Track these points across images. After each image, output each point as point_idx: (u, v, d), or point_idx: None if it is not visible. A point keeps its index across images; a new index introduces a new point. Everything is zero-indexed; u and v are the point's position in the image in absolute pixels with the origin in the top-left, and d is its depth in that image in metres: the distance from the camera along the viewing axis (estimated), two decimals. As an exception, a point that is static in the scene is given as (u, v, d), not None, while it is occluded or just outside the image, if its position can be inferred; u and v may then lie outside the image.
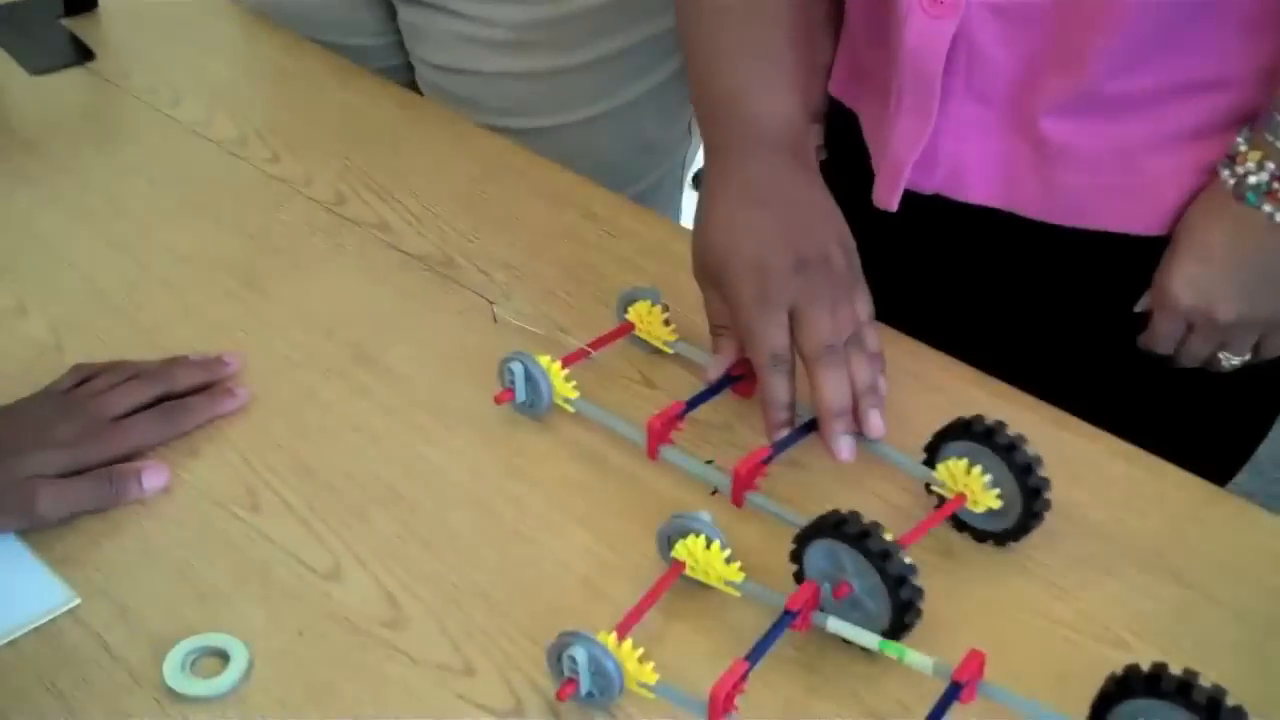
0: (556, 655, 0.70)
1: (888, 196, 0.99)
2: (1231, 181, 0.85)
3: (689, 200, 1.72)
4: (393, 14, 1.31)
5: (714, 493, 0.83)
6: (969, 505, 0.78)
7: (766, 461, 0.81)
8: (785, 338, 0.82)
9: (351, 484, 0.84)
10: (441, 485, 0.84)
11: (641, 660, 0.70)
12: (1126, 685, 0.65)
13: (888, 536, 0.71)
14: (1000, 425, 0.77)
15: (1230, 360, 0.92)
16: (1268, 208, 0.83)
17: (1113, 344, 0.98)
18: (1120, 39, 0.84)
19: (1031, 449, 0.77)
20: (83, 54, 1.29)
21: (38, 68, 1.28)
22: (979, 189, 0.96)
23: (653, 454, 0.84)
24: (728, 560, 0.75)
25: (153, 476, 0.83)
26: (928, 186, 0.98)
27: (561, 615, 0.76)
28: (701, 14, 0.92)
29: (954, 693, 0.67)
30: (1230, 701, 0.63)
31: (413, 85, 1.33)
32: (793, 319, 0.82)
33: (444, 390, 0.91)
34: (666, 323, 0.93)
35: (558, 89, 1.25)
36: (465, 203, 1.09)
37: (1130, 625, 0.75)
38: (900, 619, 0.71)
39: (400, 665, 0.74)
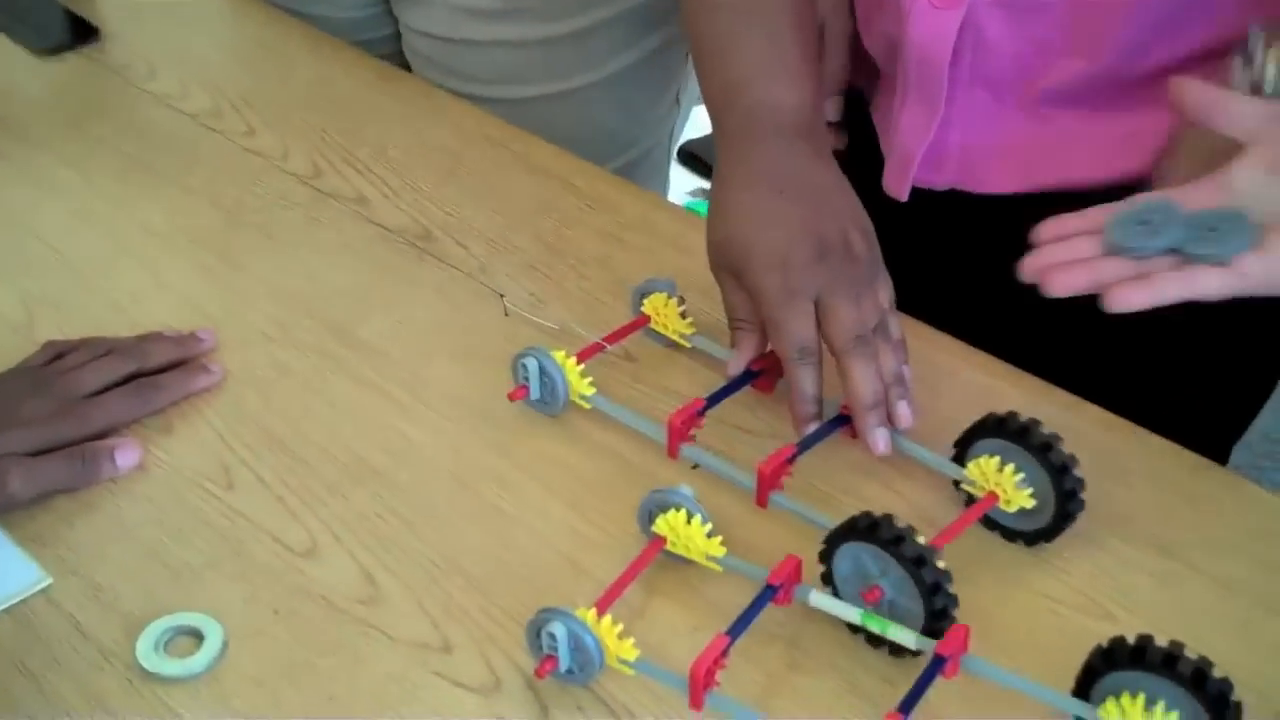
0: (535, 632, 0.69)
1: (898, 186, 0.98)
2: (1247, 82, 0.79)
3: (676, 172, 1.71)
4: (381, -17, 1.29)
5: (695, 467, 0.82)
6: (1001, 505, 0.76)
7: (791, 460, 0.78)
8: (812, 329, 0.80)
9: (327, 460, 0.83)
10: (419, 461, 0.83)
11: (621, 636, 0.69)
12: (1112, 657, 0.64)
13: (941, 564, 0.68)
14: (1049, 433, 0.75)
15: None
16: None
17: (1112, 320, 0.96)
18: (1134, 23, 0.83)
19: (1067, 451, 0.75)
20: (87, 32, 1.26)
21: (43, 48, 1.25)
22: (996, 180, 0.95)
23: (673, 453, 0.82)
24: (709, 535, 0.74)
25: (126, 454, 0.82)
26: (940, 183, 0.97)
27: (542, 592, 0.75)
28: (708, 3, 0.90)
29: (937, 666, 0.67)
30: (1216, 674, 0.62)
31: (400, 55, 1.32)
32: (818, 309, 0.80)
33: (421, 365, 0.90)
34: (683, 315, 0.90)
35: (547, 58, 1.24)
36: (443, 175, 1.07)
37: (1116, 598, 0.75)
38: (931, 633, 0.69)
39: (377, 643, 0.73)
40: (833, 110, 1.02)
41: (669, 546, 0.75)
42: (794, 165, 0.85)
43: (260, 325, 0.93)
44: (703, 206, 2.68)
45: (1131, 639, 0.64)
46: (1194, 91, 0.74)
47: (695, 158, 2.23)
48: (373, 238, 1.01)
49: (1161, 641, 0.63)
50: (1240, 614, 0.74)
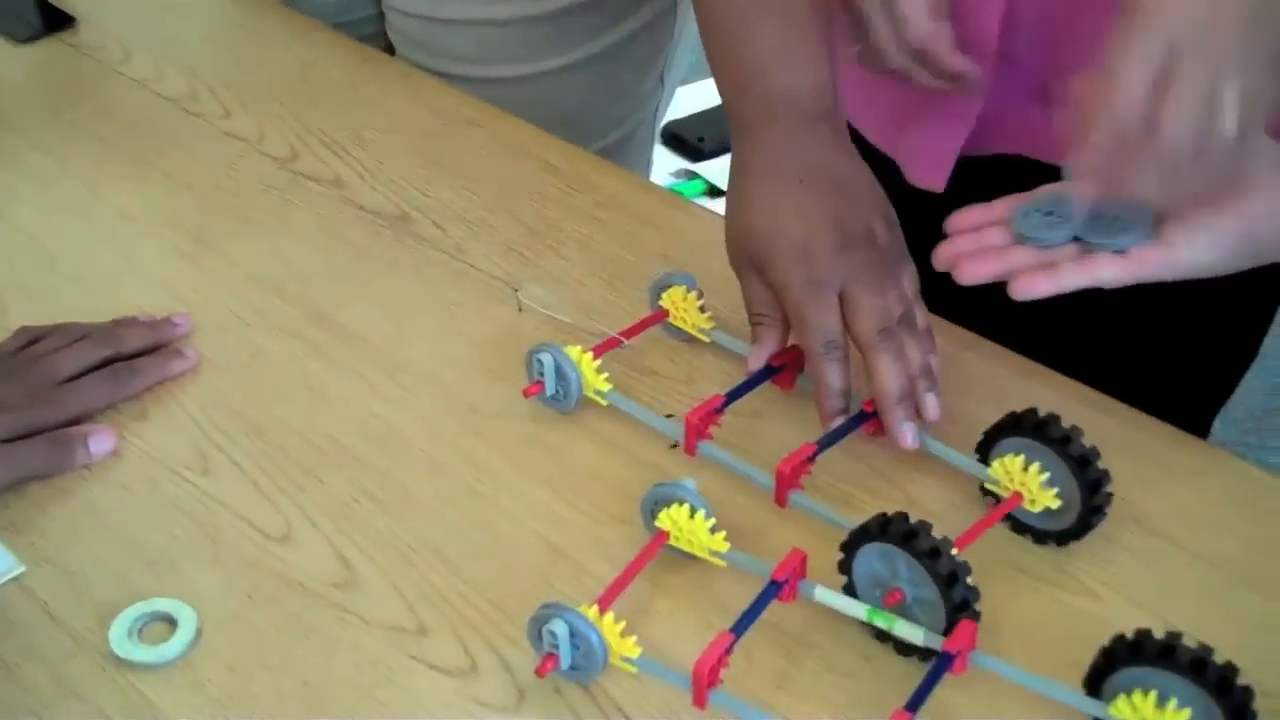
0: (537, 629, 0.68)
1: (935, 176, 0.96)
2: None
3: (660, 153, 1.71)
4: (363, -38, 1.28)
5: (674, 446, 0.81)
6: (1025, 505, 0.74)
7: (811, 459, 0.76)
8: (839, 322, 0.78)
9: (304, 445, 0.83)
10: (396, 444, 0.83)
11: (624, 634, 0.68)
12: (1126, 653, 0.63)
13: (957, 555, 0.67)
14: (1079, 434, 0.74)
15: (1227, 117, 0.68)
16: None
17: (1089, 295, 0.96)
18: None
19: (1096, 453, 0.73)
20: (61, 21, 1.25)
21: (18, 39, 1.23)
22: (1020, 145, 0.94)
23: (691, 450, 0.79)
24: (713, 529, 0.72)
25: (100, 440, 0.81)
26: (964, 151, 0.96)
27: (517, 575, 0.74)
28: None
29: (944, 663, 0.65)
30: (1241, 681, 0.61)
31: (384, 36, 1.31)
32: (842, 301, 0.78)
33: (399, 348, 0.89)
34: (702, 309, 0.87)
35: (530, 36, 1.23)
36: (421, 157, 1.06)
37: (1099, 575, 0.74)
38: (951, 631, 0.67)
39: (352, 627, 0.72)
40: (947, 39, 0.87)
41: (672, 541, 0.73)
42: (814, 153, 0.83)
43: (237, 309, 0.93)
44: (686, 188, 2.67)
45: (1155, 635, 0.62)
46: (1088, 86, 0.74)
47: (679, 139, 2.22)
48: (350, 220, 1.00)
49: (1189, 642, 0.62)
50: (1220, 587, 0.74)
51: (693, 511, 0.73)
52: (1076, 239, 0.74)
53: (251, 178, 1.05)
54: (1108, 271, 0.72)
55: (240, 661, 0.70)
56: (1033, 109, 0.92)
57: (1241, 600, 0.73)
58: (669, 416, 0.83)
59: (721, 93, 0.88)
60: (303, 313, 0.92)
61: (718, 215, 0.87)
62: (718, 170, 2.13)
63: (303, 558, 0.76)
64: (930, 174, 0.97)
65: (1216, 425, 1.08)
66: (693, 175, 2.22)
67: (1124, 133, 0.68)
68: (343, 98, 1.14)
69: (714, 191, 2.22)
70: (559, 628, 0.67)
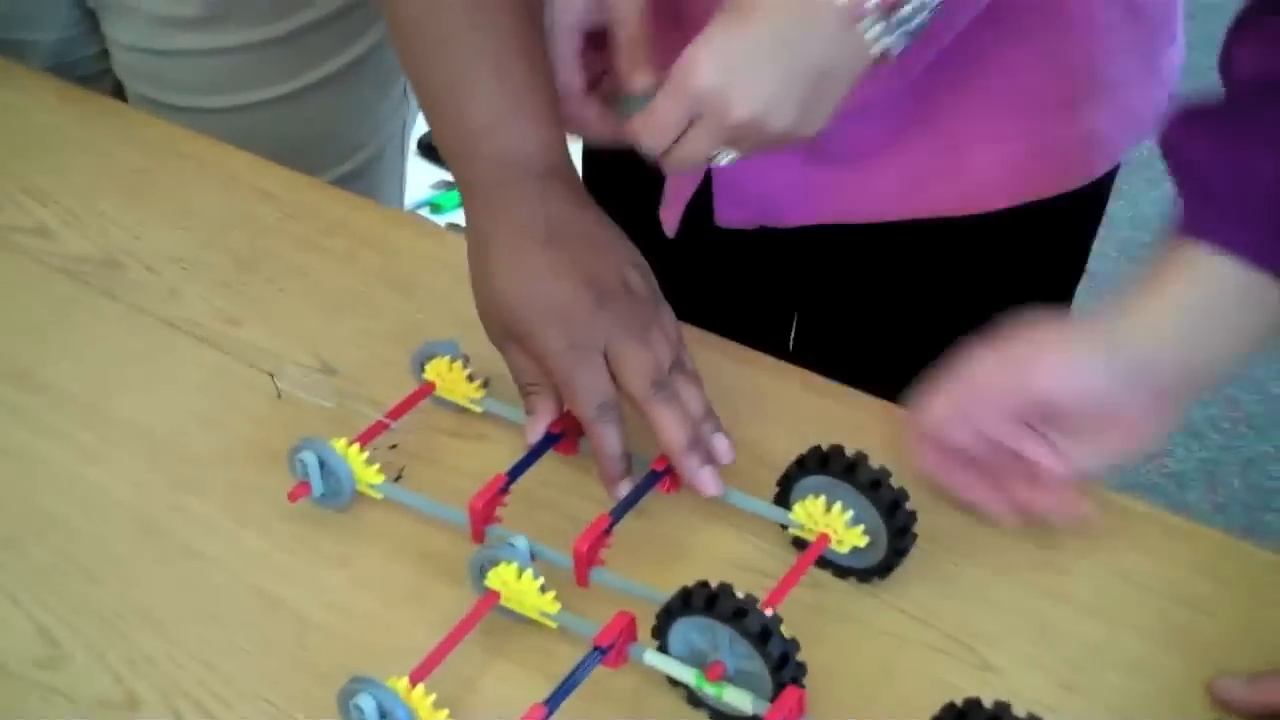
0: (345, 704, 0.65)
1: (670, 221, 0.95)
2: None
3: (417, 165, 1.67)
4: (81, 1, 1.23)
5: (398, 478, 0.79)
6: (833, 545, 0.72)
7: (608, 531, 0.73)
8: (608, 382, 0.75)
9: (3, 515, 0.78)
10: (104, 506, 0.79)
11: (436, 706, 0.65)
12: None
13: (787, 634, 0.64)
14: (875, 467, 0.72)
15: (727, 156, 0.74)
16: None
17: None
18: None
19: (895, 481, 0.72)
20: None
21: None
22: (793, 213, 0.93)
23: (479, 537, 0.75)
24: (543, 589, 0.69)
25: None
26: (739, 220, 0.94)
27: (231, 630, 0.72)
28: (425, 46, 0.83)
29: None
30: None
31: (111, 74, 1.26)
32: (608, 359, 0.75)
33: (106, 402, 0.85)
34: (470, 378, 0.83)
35: (259, 63, 1.19)
36: (131, 197, 1.02)
37: (912, 607, 0.73)
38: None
39: (57, 706, 0.69)
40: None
41: (503, 601, 0.70)
42: (554, 210, 0.79)
43: (-67, 378, 0.88)
44: (446, 199, 2.60)
45: (985, 704, 0.61)
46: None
47: (435, 150, 2.18)
48: (54, 271, 0.96)
49: (1019, 711, 0.61)
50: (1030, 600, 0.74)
51: (520, 571, 0.70)
52: None
53: (-52, 236, 1.00)
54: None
55: (-65, 759, 0.67)
56: (819, 177, 0.92)
57: (1036, 607, 0.73)
58: (392, 447, 0.80)
59: (446, 158, 0.83)
60: (4, 374, 0.87)
61: (441, 228, 0.85)
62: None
63: (2, 638, 0.72)
64: (667, 214, 0.97)
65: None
66: (451, 185, 2.17)
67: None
68: (48, 142, 1.09)
69: (473, 199, 2.13)
70: (366, 703, 0.64)
